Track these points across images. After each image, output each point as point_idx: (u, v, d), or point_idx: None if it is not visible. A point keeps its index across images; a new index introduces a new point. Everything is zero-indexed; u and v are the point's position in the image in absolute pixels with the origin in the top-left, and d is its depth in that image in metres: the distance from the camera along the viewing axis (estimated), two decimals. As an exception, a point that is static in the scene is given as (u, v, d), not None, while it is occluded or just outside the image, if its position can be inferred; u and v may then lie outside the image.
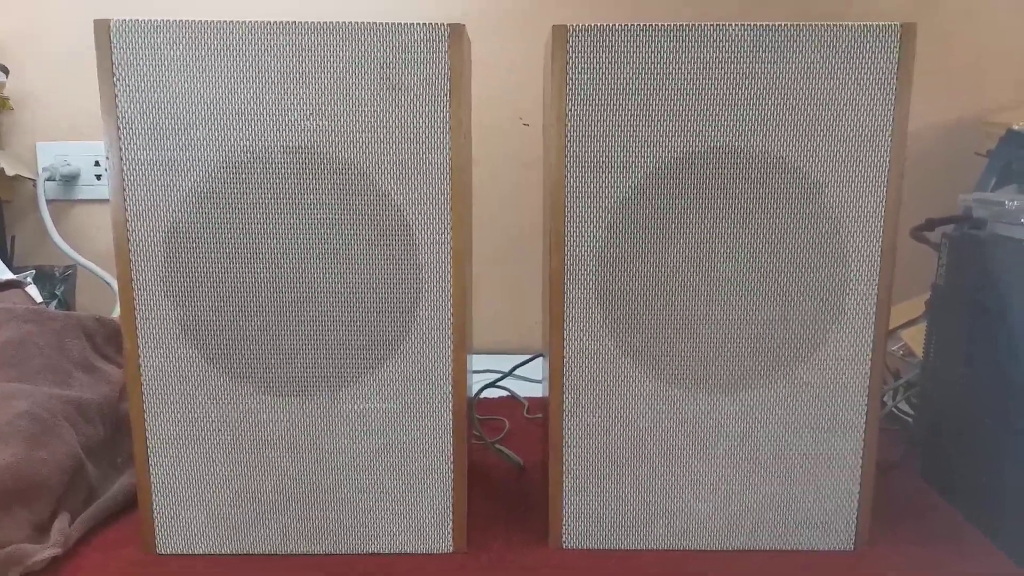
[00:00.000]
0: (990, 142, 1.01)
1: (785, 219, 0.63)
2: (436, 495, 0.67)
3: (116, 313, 1.12)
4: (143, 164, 0.61)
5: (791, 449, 0.66)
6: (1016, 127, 0.96)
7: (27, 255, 1.29)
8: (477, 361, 1.06)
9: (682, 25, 0.60)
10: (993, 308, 0.70)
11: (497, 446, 0.89)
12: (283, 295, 0.63)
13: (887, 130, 0.62)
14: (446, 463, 0.66)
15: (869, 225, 0.63)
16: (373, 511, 0.67)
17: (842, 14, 1.22)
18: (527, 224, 1.27)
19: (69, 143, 1.26)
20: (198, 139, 0.61)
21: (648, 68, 0.61)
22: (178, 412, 0.65)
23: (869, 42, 0.60)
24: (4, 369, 0.76)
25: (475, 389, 0.93)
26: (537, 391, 1.08)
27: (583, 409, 0.66)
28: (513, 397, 1.07)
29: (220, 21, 0.60)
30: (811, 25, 0.60)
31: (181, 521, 0.66)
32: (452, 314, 0.64)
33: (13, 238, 1.28)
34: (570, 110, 0.62)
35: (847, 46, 0.60)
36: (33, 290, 1.04)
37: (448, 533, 0.67)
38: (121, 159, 0.61)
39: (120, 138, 0.61)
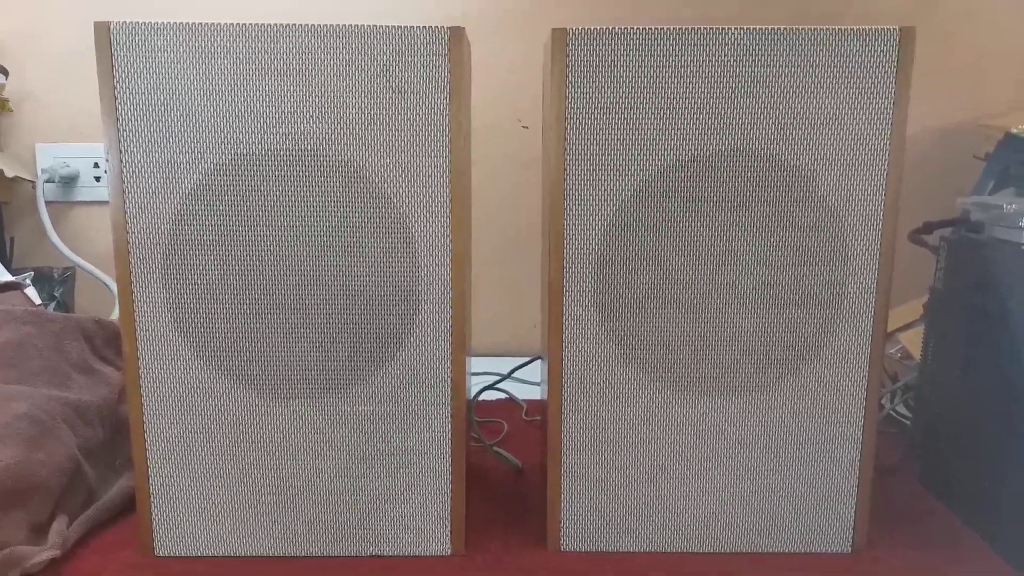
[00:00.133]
0: (988, 145, 1.02)
1: (784, 222, 0.63)
2: (434, 497, 0.67)
3: (115, 315, 1.12)
4: (143, 166, 0.61)
5: (789, 452, 0.66)
6: (1014, 131, 0.96)
7: (26, 256, 1.29)
8: (476, 363, 1.06)
9: (682, 29, 0.60)
10: (991, 311, 0.70)
11: (495, 448, 0.89)
12: (282, 298, 0.63)
13: (886, 133, 0.62)
14: (444, 465, 0.66)
15: (868, 228, 0.63)
16: (371, 513, 0.67)
17: (842, 14, 1.22)
18: (525, 224, 1.27)
19: (68, 145, 1.26)
20: (198, 141, 0.61)
21: (647, 72, 0.61)
22: (177, 414, 0.65)
23: (868, 46, 0.61)
24: (3, 371, 0.76)
25: (474, 391, 0.93)
26: (535, 393, 1.08)
27: (582, 412, 0.66)
28: (511, 399, 1.07)
29: (221, 23, 0.60)
30: (811, 29, 0.60)
31: (179, 523, 0.66)
32: (451, 316, 0.64)
33: (12, 239, 1.28)
34: (570, 113, 0.62)
35: (846, 50, 0.61)
36: (32, 292, 1.04)
37: (446, 535, 0.67)
38: (121, 161, 0.61)
39: (120, 140, 0.61)
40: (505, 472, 0.85)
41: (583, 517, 0.68)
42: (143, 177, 0.62)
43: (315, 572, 0.65)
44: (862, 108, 0.62)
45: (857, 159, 0.62)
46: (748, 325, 0.65)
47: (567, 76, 0.61)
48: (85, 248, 1.26)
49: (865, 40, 0.61)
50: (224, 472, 0.66)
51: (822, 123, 0.62)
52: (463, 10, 1.23)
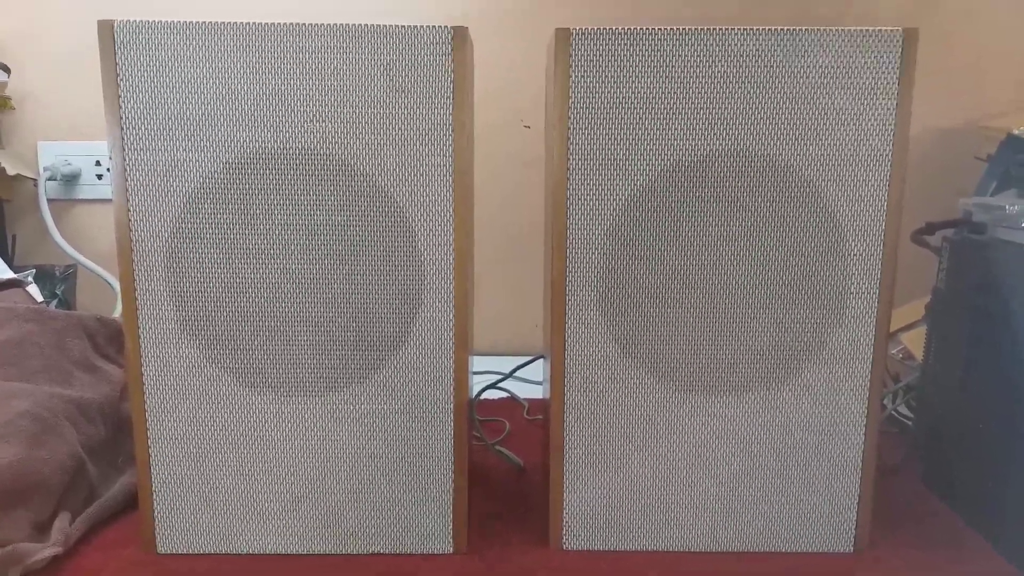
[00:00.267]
0: (990, 146, 1.02)
1: (787, 223, 0.63)
2: (436, 496, 0.67)
3: (117, 313, 1.12)
4: (146, 165, 0.61)
5: (792, 451, 0.67)
6: (1016, 131, 0.96)
7: (28, 254, 1.29)
8: (478, 362, 1.06)
9: (686, 29, 0.60)
10: (993, 312, 0.70)
11: (497, 447, 0.89)
12: (285, 296, 0.63)
13: (889, 135, 0.62)
14: (447, 464, 0.66)
15: (870, 229, 0.63)
16: (373, 511, 0.67)
17: (842, 15, 1.22)
18: (527, 224, 1.27)
19: (70, 143, 1.26)
20: (201, 140, 0.61)
21: (651, 72, 0.61)
22: (179, 412, 0.65)
23: (871, 47, 0.61)
24: (5, 368, 0.76)
25: (475, 390, 0.93)
26: (537, 392, 1.08)
27: (583, 411, 0.66)
28: (513, 398, 1.07)
29: (224, 22, 0.60)
30: (815, 30, 0.60)
31: (181, 521, 0.66)
32: (454, 315, 0.64)
33: (14, 237, 1.28)
34: (573, 113, 0.62)
35: (849, 51, 0.61)
36: (34, 289, 1.04)
37: (448, 534, 0.67)
38: (124, 160, 0.61)
39: (123, 139, 0.61)
40: (507, 471, 0.85)
41: (585, 516, 0.68)
42: (146, 176, 0.62)
43: (317, 569, 0.65)
44: (865, 109, 0.62)
45: (860, 160, 0.62)
46: (750, 325, 0.65)
47: (570, 76, 0.61)
48: (87, 246, 1.26)
49: (868, 41, 0.61)
50: (227, 470, 0.66)
51: (825, 124, 0.62)
52: (463, 10, 1.23)
